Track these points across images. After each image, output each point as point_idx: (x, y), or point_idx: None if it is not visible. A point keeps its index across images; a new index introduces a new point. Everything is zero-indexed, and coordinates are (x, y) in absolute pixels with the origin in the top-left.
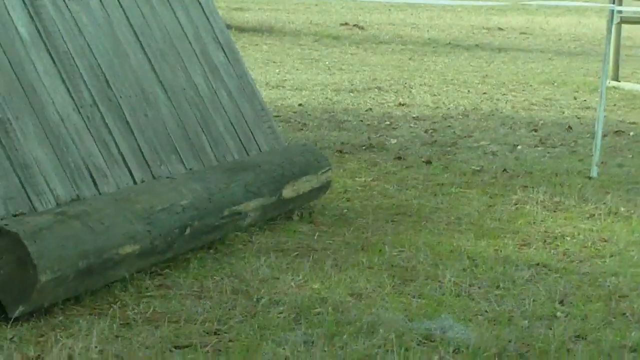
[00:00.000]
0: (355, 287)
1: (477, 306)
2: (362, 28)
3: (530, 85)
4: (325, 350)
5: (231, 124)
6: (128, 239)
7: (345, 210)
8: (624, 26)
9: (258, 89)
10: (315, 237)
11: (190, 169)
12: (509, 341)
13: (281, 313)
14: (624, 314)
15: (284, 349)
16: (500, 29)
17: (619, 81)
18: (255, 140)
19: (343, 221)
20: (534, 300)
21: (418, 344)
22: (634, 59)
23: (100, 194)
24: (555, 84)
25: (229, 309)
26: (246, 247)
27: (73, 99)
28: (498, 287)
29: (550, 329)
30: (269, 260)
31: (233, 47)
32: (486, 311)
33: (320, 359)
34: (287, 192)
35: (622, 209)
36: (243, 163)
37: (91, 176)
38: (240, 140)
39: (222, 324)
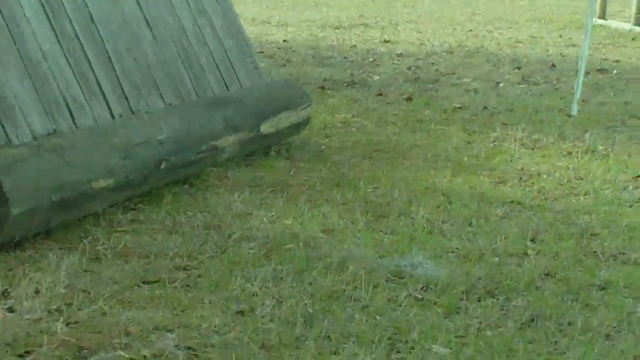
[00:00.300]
0: (327, 223)
1: (449, 243)
2: None
3: (517, 23)
4: (293, 286)
5: (213, 59)
6: (104, 173)
7: (323, 147)
8: None
9: (243, 24)
10: (291, 173)
11: (170, 104)
12: (479, 278)
13: (252, 249)
14: (595, 252)
15: (252, 284)
16: None
17: (606, 19)
18: (237, 76)
19: (320, 157)
20: (505, 238)
21: (387, 281)
22: None
23: (77, 128)
24: (542, 21)
25: (200, 245)
26: (221, 183)
27: (55, 32)
28: (471, 224)
29: (520, 266)
30: (243, 195)
31: None
32: (457, 248)
33: (287, 295)
34: (266, 127)
35: (600, 147)
36: (222, 98)
37: (69, 110)
38: (222, 75)
39: (192, 260)
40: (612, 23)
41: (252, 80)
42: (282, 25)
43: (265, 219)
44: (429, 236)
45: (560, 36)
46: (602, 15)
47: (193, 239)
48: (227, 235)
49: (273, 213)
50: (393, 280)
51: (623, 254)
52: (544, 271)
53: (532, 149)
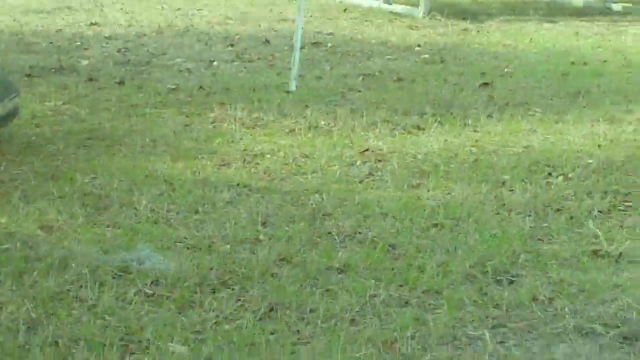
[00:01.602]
0: (45, 220)
1: (176, 233)
2: None
3: (225, 0)
4: (13, 290)
5: None
6: None
7: (34, 137)
8: None
9: None
10: (2, 168)
11: None
12: (210, 269)
13: None
14: (330, 232)
15: None
16: None
17: None
18: None
19: (32, 149)
20: (235, 223)
21: (114, 278)
22: None
23: None
24: None
25: None
26: None
27: None
28: (197, 211)
29: (254, 253)
30: None
31: None
32: (185, 238)
33: (7, 301)
34: None
35: (322, 122)
36: None
37: None
38: None
39: None
40: None
41: None
42: None
43: None
44: (154, 227)
45: (271, 10)
46: None
47: None
48: None
49: None
50: (120, 276)
51: (359, 233)
52: (279, 257)
53: (253, 128)
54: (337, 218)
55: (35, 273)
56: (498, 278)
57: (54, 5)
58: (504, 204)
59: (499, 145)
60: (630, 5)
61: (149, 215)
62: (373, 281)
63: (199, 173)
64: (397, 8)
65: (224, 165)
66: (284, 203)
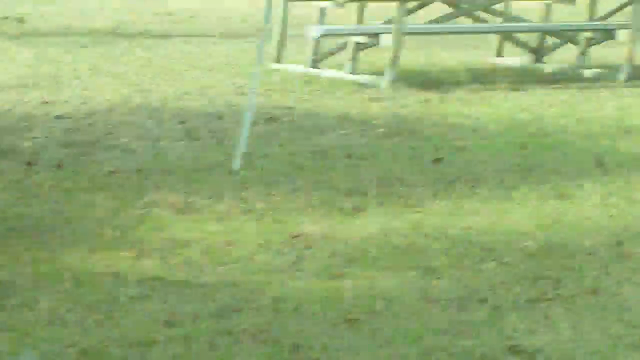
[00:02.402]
0: None
1: (70, 337)
2: (22, 21)
3: (186, 72)
4: None
5: None
6: None
7: None
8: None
9: None
10: None
11: None
12: None
13: None
14: (230, 332)
15: None
16: (169, 14)
17: (282, 62)
18: None
19: None
20: (136, 323)
21: None
22: (299, 39)
23: None
24: (215, 69)
25: None
26: None
27: None
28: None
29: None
30: None
31: None
32: (79, 341)
33: None
34: None
35: (258, 206)
36: None
37: None
38: None
39: None
40: (289, 67)
41: None
42: None
43: None
44: (48, 329)
45: (233, 84)
46: (279, 59)
47: None
48: None
49: None
50: None
51: (266, 331)
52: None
53: (184, 214)
54: (246, 314)
55: None
56: None
57: (14, 82)
58: (427, 295)
59: (437, 227)
60: (600, 70)
61: (48, 317)
62: None
63: (113, 266)
64: (362, 78)
65: (142, 256)
66: (192, 299)
